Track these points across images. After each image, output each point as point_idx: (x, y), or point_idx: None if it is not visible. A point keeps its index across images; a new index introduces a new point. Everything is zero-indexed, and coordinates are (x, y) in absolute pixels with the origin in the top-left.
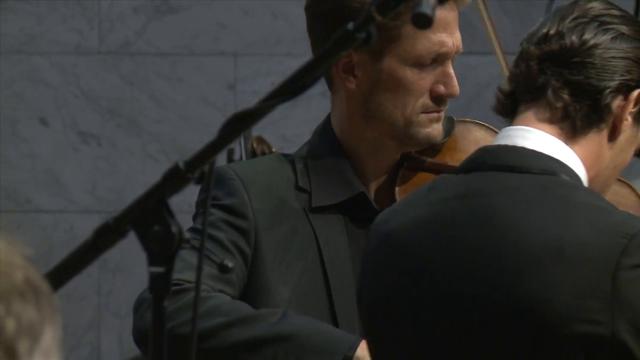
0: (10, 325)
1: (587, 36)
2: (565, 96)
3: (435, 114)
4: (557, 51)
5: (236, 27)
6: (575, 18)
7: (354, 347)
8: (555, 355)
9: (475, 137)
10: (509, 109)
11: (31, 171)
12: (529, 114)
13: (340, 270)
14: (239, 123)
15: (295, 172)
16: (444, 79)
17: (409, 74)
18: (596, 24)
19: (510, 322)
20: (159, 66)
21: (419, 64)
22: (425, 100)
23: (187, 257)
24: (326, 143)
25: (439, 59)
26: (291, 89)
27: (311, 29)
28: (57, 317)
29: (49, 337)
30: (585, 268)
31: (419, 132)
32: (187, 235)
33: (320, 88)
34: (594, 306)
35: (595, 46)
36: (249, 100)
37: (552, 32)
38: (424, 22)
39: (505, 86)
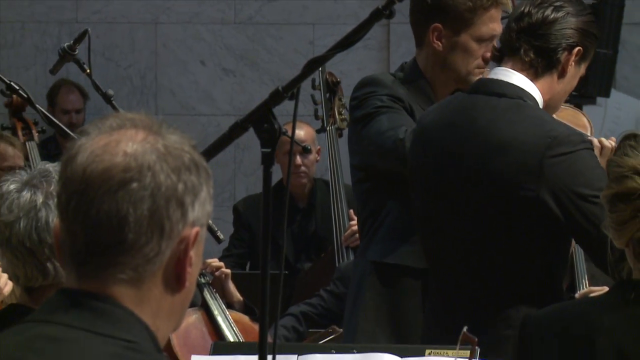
0: (180, 187)
1: (546, 15)
2: (532, 54)
3: (482, 70)
4: (527, 26)
5: (315, 7)
6: (540, 3)
7: None
8: (511, 209)
9: None
10: (499, 59)
11: (196, 91)
12: (511, 63)
13: None
14: (315, 63)
15: (398, 82)
16: (490, 49)
17: (474, 45)
18: (552, 7)
19: (484, 190)
20: (269, 31)
21: (481, 40)
22: (479, 61)
23: (389, 117)
24: (416, 73)
25: (491, 38)
26: (345, 43)
27: (413, 14)
28: (210, 180)
29: (205, 193)
30: (523, 156)
31: (472, 79)
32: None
33: (362, 43)
34: (528, 179)
35: (551, 21)
36: (321, 51)
37: (525, 11)
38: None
39: (497, 45)
